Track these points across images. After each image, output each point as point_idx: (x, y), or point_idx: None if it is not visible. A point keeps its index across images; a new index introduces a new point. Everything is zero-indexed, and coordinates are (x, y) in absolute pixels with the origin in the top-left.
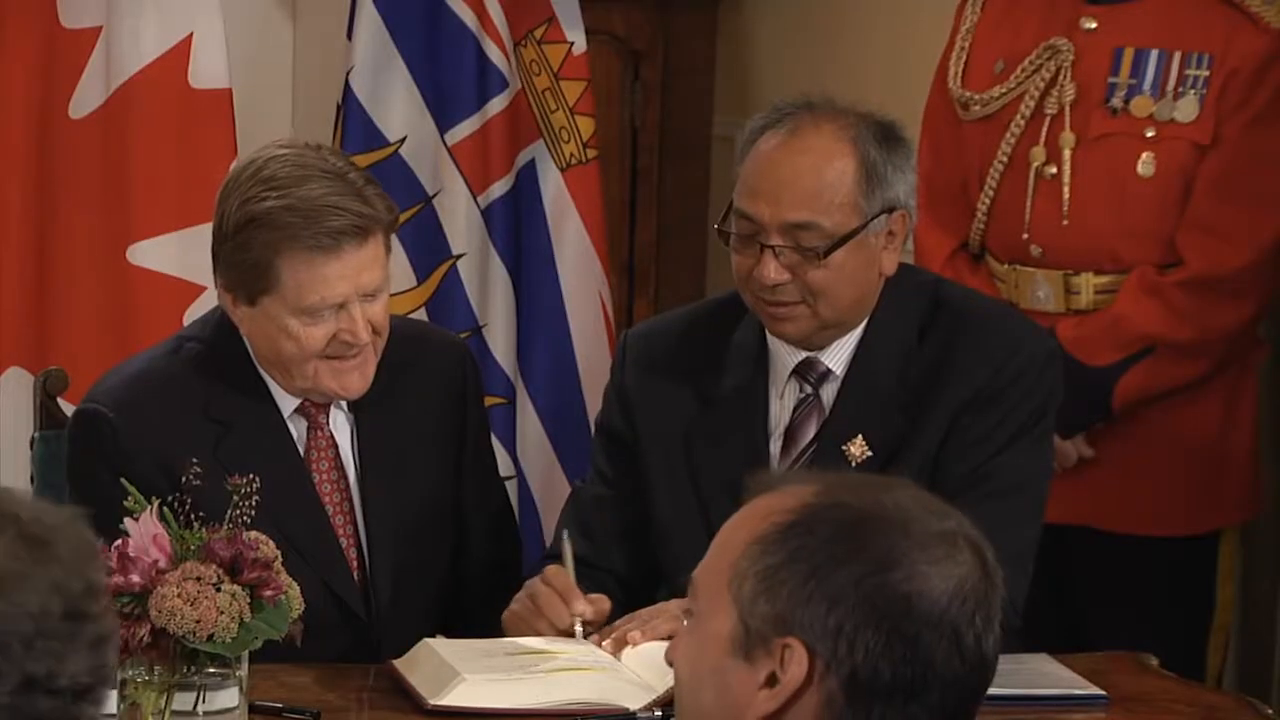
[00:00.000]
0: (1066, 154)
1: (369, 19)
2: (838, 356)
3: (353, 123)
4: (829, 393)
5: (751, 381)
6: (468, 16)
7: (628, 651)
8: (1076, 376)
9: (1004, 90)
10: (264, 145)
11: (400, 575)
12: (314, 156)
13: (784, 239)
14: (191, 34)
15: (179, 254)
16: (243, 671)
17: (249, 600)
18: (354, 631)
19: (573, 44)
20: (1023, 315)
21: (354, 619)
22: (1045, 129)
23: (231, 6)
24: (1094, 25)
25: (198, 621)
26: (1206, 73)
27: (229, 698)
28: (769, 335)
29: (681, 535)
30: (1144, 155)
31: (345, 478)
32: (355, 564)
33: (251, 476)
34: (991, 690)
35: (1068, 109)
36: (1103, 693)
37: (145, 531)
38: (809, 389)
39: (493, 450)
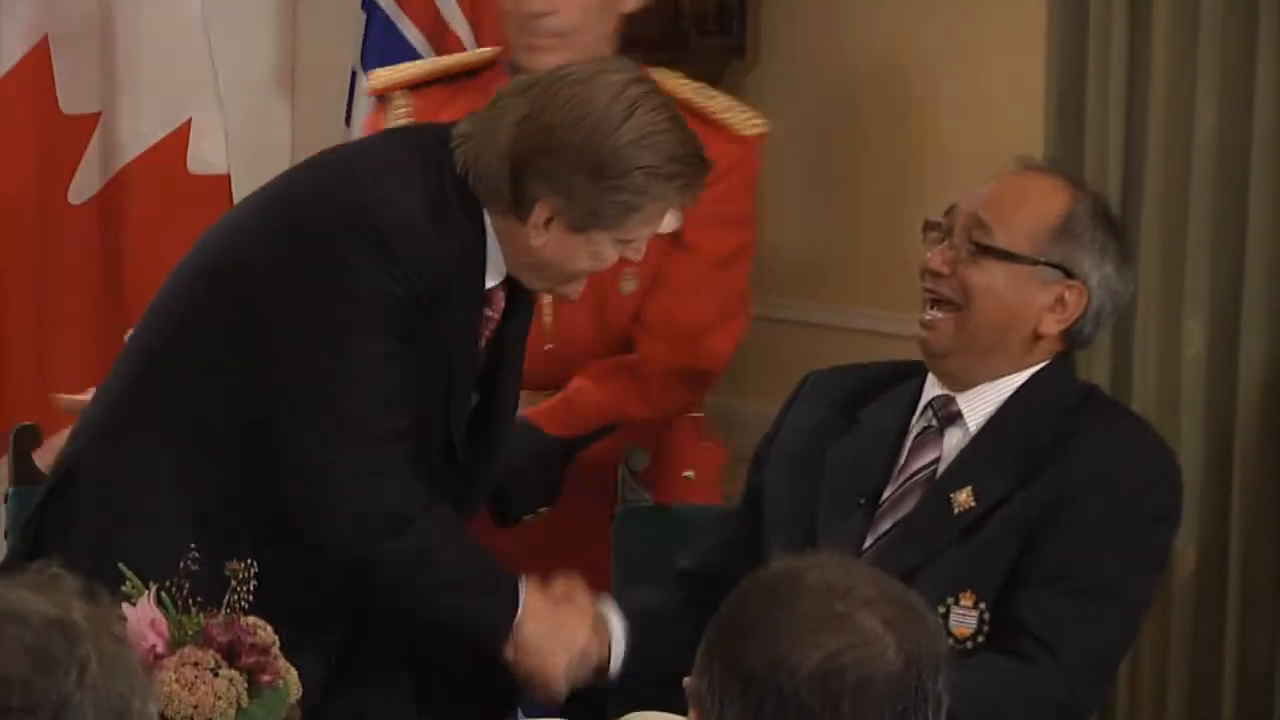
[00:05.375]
0: None
1: (367, 103)
2: (975, 407)
3: None
4: (952, 437)
5: (898, 413)
6: None
7: None
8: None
9: None
10: (592, 66)
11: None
12: (650, 86)
13: (963, 232)
14: (190, 119)
15: None
16: None
17: (246, 685)
18: (449, 475)
19: None
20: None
21: (453, 461)
22: None
23: (230, 91)
24: None
25: (195, 707)
26: None
27: None
28: (927, 379)
29: (786, 528)
30: (626, 272)
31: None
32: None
33: (250, 561)
34: None
35: None
36: None
37: (143, 616)
38: (935, 423)
39: None
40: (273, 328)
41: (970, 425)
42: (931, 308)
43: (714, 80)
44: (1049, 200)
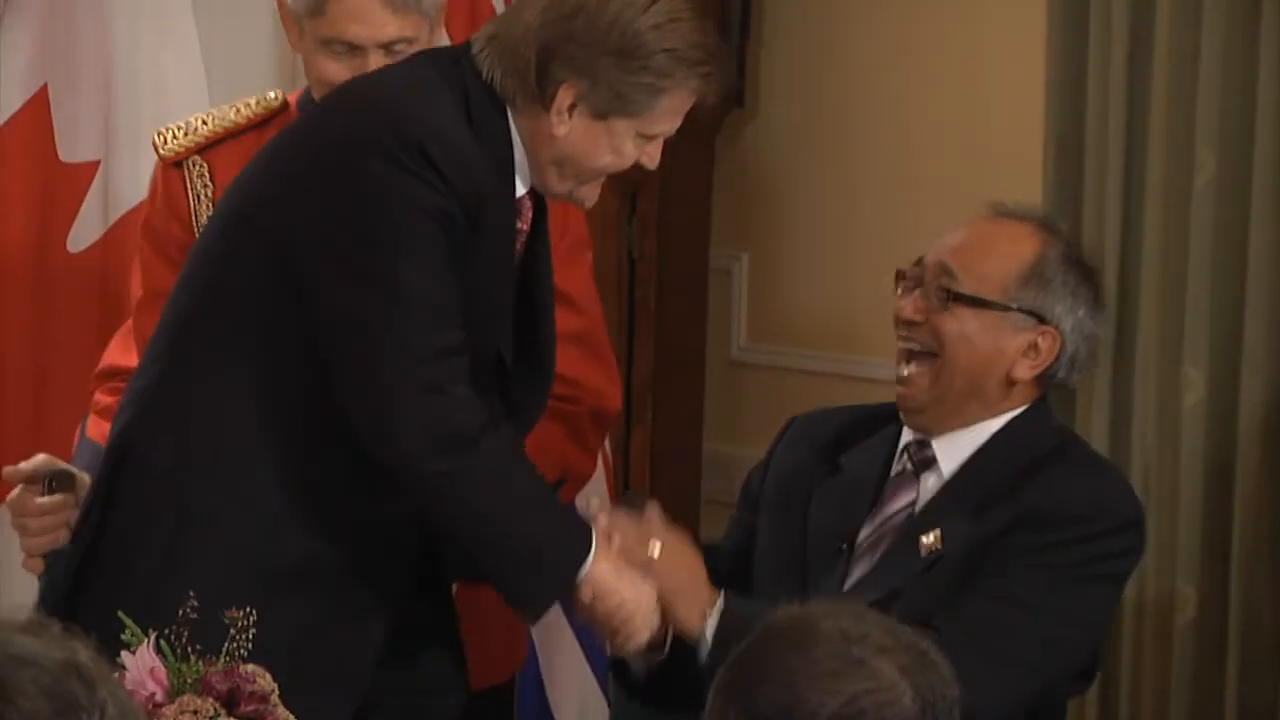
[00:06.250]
0: None
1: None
2: (950, 454)
3: None
4: (928, 480)
5: (878, 458)
6: None
7: None
8: None
9: None
10: None
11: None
12: None
13: (934, 280)
14: None
15: None
16: None
17: None
18: (498, 392)
19: None
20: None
21: (504, 378)
22: None
23: None
24: None
25: None
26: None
27: None
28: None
29: (777, 578)
30: None
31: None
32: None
33: (249, 610)
34: None
35: None
36: None
37: (142, 665)
38: (910, 468)
39: None
40: (311, 261)
41: (945, 470)
42: (908, 362)
43: (713, 129)
44: (1018, 246)
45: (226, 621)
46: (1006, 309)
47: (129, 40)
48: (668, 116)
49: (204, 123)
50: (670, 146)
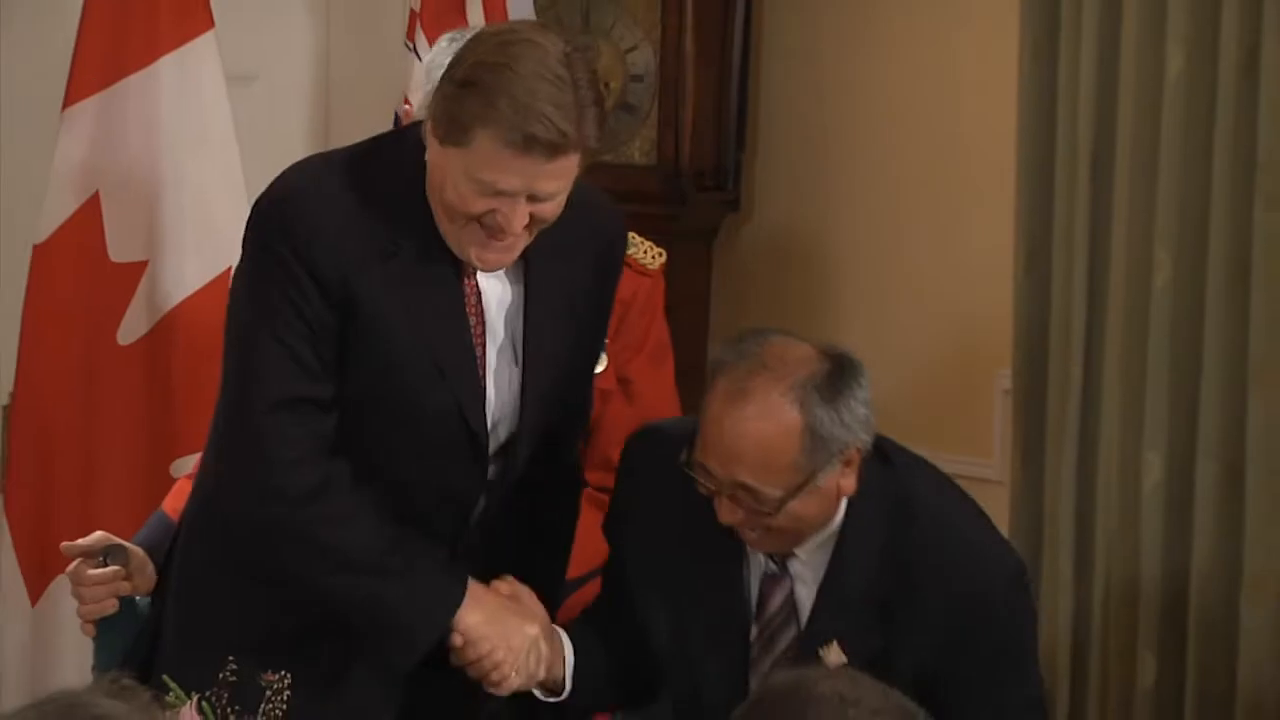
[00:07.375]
0: None
1: None
2: (807, 559)
3: None
4: (793, 564)
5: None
6: None
7: None
8: None
9: None
10: (521, 25)
11: (544, 419)
12: (559, 57)
13: (741, 495)
14: (230, 268)
15: None
16: None
17: None
18: (472, 457)
19: None
20: (987, 525)
21: (476, 444)
22: None
23: None
24: None
25: None
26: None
27: None
28: None
29: (673, 652)
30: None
31: (483, 323)
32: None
33: (284, 673)
34: None
35: None
36: None
37: None
38: (775, 567)
39: None
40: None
41: (801, 554)
42: (748, 529)
43: (712, 231)
44: (785, 425)
45: (263, 684)
46: (815, 475)
47: (174, 150)
48: (485, 163)
49: None
50: (669, 247)
